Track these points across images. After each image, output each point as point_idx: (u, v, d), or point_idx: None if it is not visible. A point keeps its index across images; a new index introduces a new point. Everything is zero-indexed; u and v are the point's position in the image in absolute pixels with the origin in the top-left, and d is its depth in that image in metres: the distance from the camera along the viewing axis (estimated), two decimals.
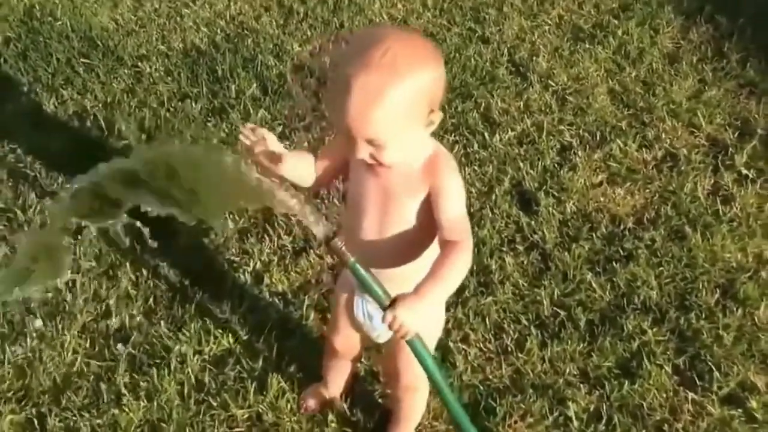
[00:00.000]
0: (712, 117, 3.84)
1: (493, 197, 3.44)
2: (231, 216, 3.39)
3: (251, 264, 3.21)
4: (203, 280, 3.15)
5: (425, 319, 2.09)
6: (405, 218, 2.11)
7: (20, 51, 4.31)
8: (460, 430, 2.22)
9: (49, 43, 4.35)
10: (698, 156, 3.65)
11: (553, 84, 4.06)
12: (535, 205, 3.42)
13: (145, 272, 3.18)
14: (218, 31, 4.48)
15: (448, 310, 3.00)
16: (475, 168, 3.59)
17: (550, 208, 3.40)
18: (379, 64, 1.84)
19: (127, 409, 2.75)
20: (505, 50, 4.29)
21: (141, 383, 2.83)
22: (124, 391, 2.81)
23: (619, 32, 4.39)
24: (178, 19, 4.58)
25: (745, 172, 3.54)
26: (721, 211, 3.37)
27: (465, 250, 2.03)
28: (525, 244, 3.28)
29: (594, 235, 3.30)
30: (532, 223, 3.35)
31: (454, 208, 2.06)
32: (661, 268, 3.15)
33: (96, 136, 3.79)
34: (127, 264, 3.21)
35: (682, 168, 3.60)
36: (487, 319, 2.99)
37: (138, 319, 3.04)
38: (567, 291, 3.09)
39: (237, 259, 3.25)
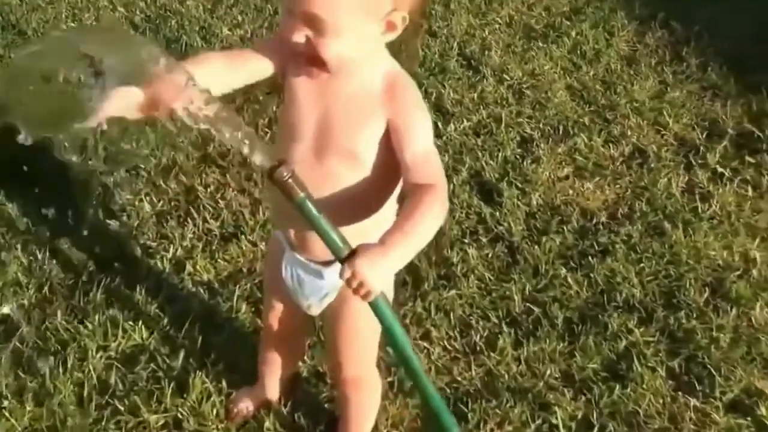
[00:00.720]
0: (678, 117, 3.55)
1: (451, 187, 3.03)
2: (147, 197, 2.89)
3: (171, 250, 2.71)
4: (112, 267, 2.64)
5: (389, 279, 1.65)
6: (352, 156, 1.68)
7: None
8: (436, 419, 1.75)
9: None
10: (668, 154, 3.34)
11: (508, 78, 3.72)
12: (498, 196, 3.04)
13: (40, 256, 2.65)
14: (137, 11, 4.00)
15: (404, 304, 2.57)
16: None
17: (515, 200, 3.01)
18: None
19: (8, 415, 2.20)
20: (455, 44, 3.95)
21: (28, 384, 2.28)
22: (5, 392, 2.25)
23: (573, 33, 4.11)
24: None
25: (720, 170, 3.23)
26: (699, 209, 3.04)
27: (439, 193, 1.60)
28: (489, 235, 2.88)
29: (565, 228, 2.92)
30: (496, 214, 2.96)
31: (420, 142, 1.63)
32: (642, 265, 2.79)
33: None
34: (18, 246, 2.66)
35: (653, 165, 3.27)
36: (451, 315, 2.57)
37: (27, 308, 2.49)
38: (539, 287, 2.70)
39: (153, 244, 2.74)
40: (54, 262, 2.64)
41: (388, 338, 1.66)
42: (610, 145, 3.37)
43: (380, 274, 1.52)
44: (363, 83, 1.65)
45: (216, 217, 2.84)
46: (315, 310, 1.94)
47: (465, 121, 3.41)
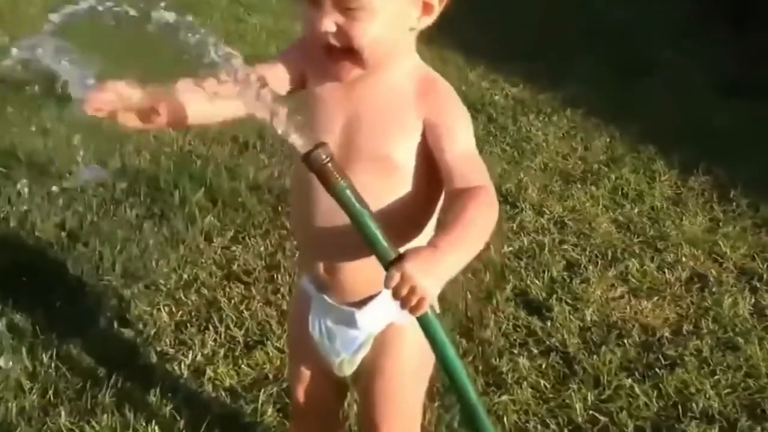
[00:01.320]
0: (735, 248, 3.32)
1: (495, 302, 2.80)
2: (165, 308, 2.66)
3: (190, 356, 2.45)
4: (124, 371, 2.37)
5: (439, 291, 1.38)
6: (386, 164, 1.49)
7: None
8: None
9: None
10: (730, 278, 3.09)
11: (548, 212, 3.54)
12: (547, 311, 2.78)
13: (46, 360, 2.39)
14: (162, 156, 3.93)
15: (451, 407, 2.26)
16: (469, 276, 2.95)
17: (567, 315, 2.75)
18: None
19: None
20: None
21: None
22: None
23: (613, 177, 3.97)
24: (118, 145, 4.03)
25: None
26: None
27: (487, 195, 1.41)
28: (540, 347, 2.60)
29: (625, 341, 2.64)
30: (547, 326, 2.69)
31: (462, 143, 1.46)
32: (716, 377, 2.49)
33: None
34: (23, 350, 2.41)
35: (713, 289, 3.02)
36: (504, 420, 2.25)
37: (27, 410, 2.20)
38: (603, 397, 2.39)
39: (171, 350, 2.49)
40: (61, 366, 2.38)
41: (440, 362, 1.39)
42: (666, 270, 3.13)
43: (434, 279, 1.28)
44: (393, 82, 1.49)
45: (240, 326, 2.60)
46: (347, 369, 1.67)
47: (506, 246, 3.20)
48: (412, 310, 1.30)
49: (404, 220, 1.52)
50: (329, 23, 1.41)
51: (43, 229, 3.09)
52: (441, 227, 1.43)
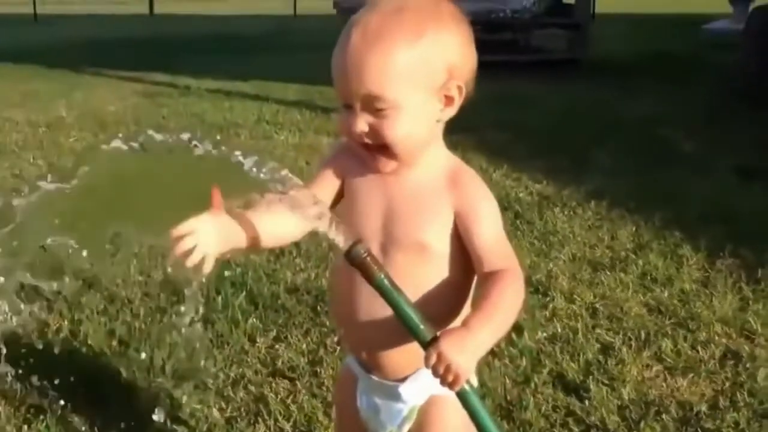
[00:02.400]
0: (766, 324, 3.38)
1: (533, 385, 2.87)
2: (216, 405, 2.76)
3: None
4: None
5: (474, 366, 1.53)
6: (421, 249, 1.63)
7: None
8: None
9: None
10: (762, 353, 3.14)
11: (579, 299, 3.63)
12: (584, 392, 2.84)
13: None
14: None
15: None
16: (506, 362, 3.04)
17: (604, 395, 2.81)
18: (386, 8, 1.57)
19: None
20: None
21: None
22: None
23: (641, 263, 4.06)
24: (159, 258, 4.19)
25: None
26: None
27: (514, 275, 1.58)
28: (580, 426, 2.66)
29: (663, 417, 2.69)
30: (586, 405, 2.74)
31: (489, 230, 1.61)
32: None
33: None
34: None
35: (747, 364, 3.07)
36: None
37: None
38: None
39: None
40: None
41: (479, 428, 1.50)
42: (699, 349, 3.19)
43: (468, 356, 1.45)
44: (426, 172, 1.65)
45: (287, 418, 2.68)
46: None
47: (540, 333, 3.29)
48: (450, 386, 1.46)
49: (442, 297, 1.65)
50: (362, 124, 1.57)
51: (94, 338, 3.22)
52: (473, 308, 1.56)
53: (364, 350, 1.75)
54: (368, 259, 1.49)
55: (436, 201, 1.63)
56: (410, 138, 1.59)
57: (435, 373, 1.47)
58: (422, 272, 1.63)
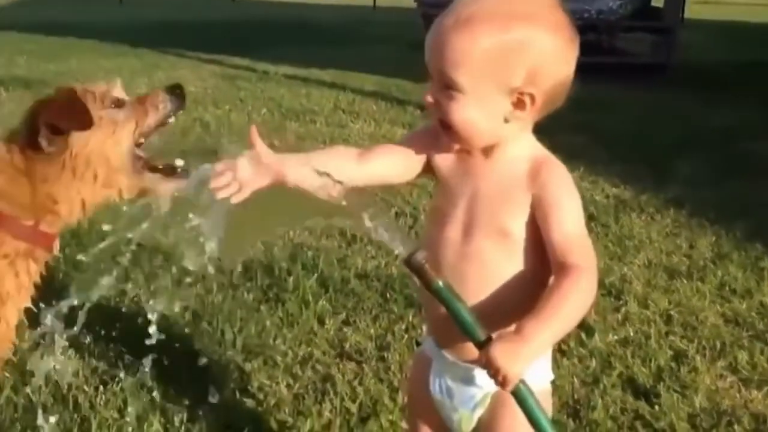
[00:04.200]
0: None
1: (601, 386, 2.83)
2: (284, 381, 2.79)
3: (307, 424, 2.56)
4: None
5: (530, 367, 1.55)
6: (501, 233, 1.64)
7: None
8: None
9: None
10: None
11: (653, 305, 3.57)
12: (654, 397, 2.79)
13: (176, 422, 2.55)
14: (275, 248, 4.11)
15: None
16: (575, 362, 3.00)
17: (674, 401, 2.76)
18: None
19: None
20: None
21: None
22: None
23: (719, 273, 3.96)
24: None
25: None
26: None
27: (585, 275, 1.55)
28: (648, 430, 2.62)
29: (735, 428, 2.64)
30: (655, 410, 2.70)
31: (568, 222, 1.59)
32: None
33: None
34: (157, 412, 2.57)
35: None
36: None
37: None
38: None
39: (290, 419, 2.60)
40: (191, 429, 2.52)
41: (534, 427, 1.53)
42: None
43: (516, 362, 1.47)
44: (508, 162, 1.65)
45: (353, 399, 2.70)
46: (466, 426, 1.77)
47: (611, 335, 3.24)
48: (501, 387, 1.48)
49: (519, 290, 1.65)
50: (432, 96, 1.59)
51: (169, 309, 3.28)
52: (534, 309, 1.54)
53: (442, 327, 1.75)
54: (426, 266, 1.54)
55: (518, 188, 1.63)
56: (469, 125, 1.60)
57: (489, 374, 1.50)
58: (503, 254, 1.64)
